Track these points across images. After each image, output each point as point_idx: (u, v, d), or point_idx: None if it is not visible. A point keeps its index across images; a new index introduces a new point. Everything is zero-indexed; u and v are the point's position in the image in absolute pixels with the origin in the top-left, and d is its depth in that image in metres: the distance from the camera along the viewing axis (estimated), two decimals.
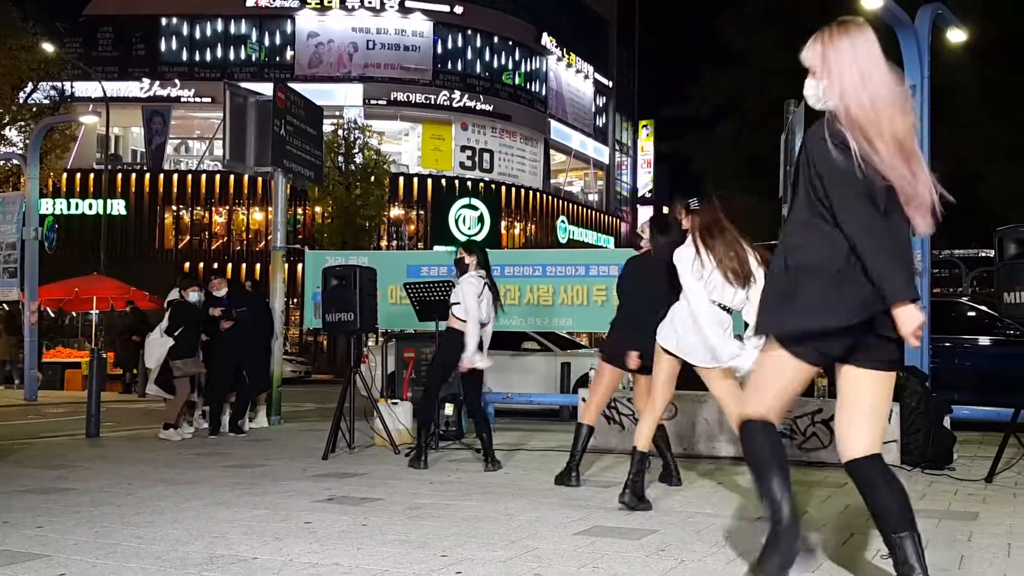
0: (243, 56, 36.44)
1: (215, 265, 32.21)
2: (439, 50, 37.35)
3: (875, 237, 2.63)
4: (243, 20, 36.55)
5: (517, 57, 39.72)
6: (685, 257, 4.62)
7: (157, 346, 8.34)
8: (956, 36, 8.79)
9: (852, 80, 2.69)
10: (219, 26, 36.53)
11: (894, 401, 6.29)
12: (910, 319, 2.62)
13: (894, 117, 2.66)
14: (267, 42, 36.61)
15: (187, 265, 33.02)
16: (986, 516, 4.55)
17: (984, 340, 9.40)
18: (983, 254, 28.43)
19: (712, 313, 4.55)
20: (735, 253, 4.54)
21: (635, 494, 4.64)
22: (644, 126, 50.32)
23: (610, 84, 48.02)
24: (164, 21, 36.33)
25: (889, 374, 2.86)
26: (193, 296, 8.47)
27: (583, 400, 7.44)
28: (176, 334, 8.23)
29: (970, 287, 23.83)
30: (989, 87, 22.67)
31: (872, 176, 2.63)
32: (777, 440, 2.98)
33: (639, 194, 50.13)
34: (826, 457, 6.37)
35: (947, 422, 6.44)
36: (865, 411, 2.87)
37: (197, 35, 36.60)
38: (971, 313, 9.83)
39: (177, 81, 35.85)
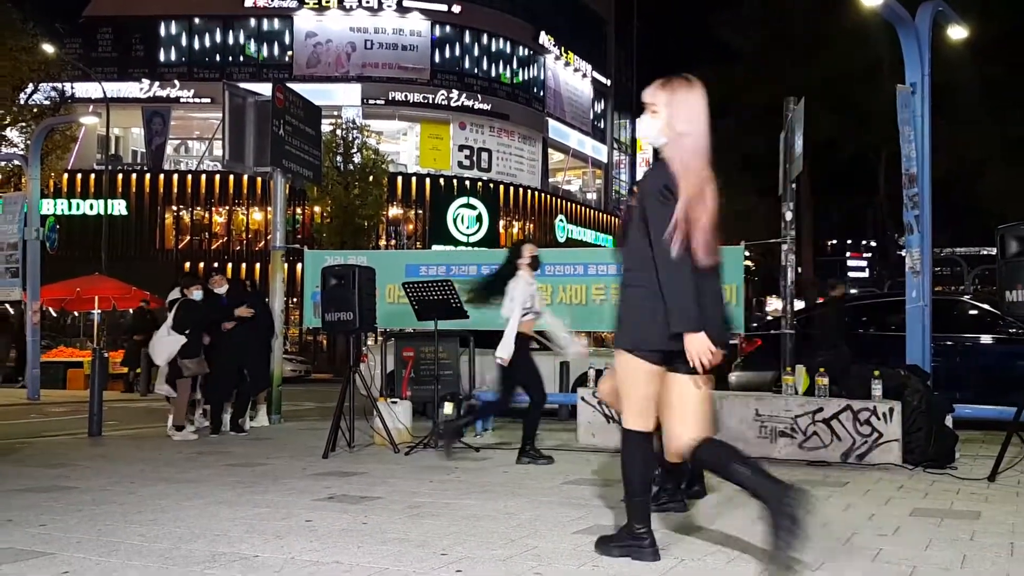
0: (241, 56, 36.43)
1: (215, 265, 32.21)
2: (437, 49, 37.33)
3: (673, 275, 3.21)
4: (241, 20, 36.53)
5: (515, 56, 39.70)
6: None
7: (167, 344, 8.30)
8: (957, 33, 8.78)
9: (683, 130, 3.26)
10: (218, 26, 36.52)
11: (896, 400, 6.33)
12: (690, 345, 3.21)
13: (707, 167, 3.30)
14: (265, 42, 36.60)
15: (187, 265, 33.02)
16: (988, 515, 4.55)
17: (986, 338, 9.38)
18: (984, 252, 28.45)
19: None
20: None
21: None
22: None
23: (608, 83, 48.00)
24: (163, 21, 36.30)
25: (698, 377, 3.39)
26: (196, 294, 8.48)
27: (582, 399, 7.46)
28: (186, 333, 8.24)
29: (972, 285, 23.80)
30: (989, 84, 22.68)
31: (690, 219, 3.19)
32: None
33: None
34: (827, 456, 6.37)
35: (949, 421, 6.45)
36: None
37: (196, 36, 36.58)
38: (973, 311, 9.82)
39: (176, 82, 35.83)
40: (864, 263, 66.46)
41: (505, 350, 6.25)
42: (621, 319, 3.42)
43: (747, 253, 9.48)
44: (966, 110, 22.96)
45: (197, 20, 36.40)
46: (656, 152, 3.40)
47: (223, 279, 9.10)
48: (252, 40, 36.55)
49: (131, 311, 18.39)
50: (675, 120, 3.29)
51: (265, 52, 36.51)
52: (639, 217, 3.32)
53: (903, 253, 7.88)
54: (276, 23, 36.52)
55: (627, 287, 3.41)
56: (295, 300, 25.24)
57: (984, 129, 23.67)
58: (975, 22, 11.11)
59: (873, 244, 62.28)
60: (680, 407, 3.40)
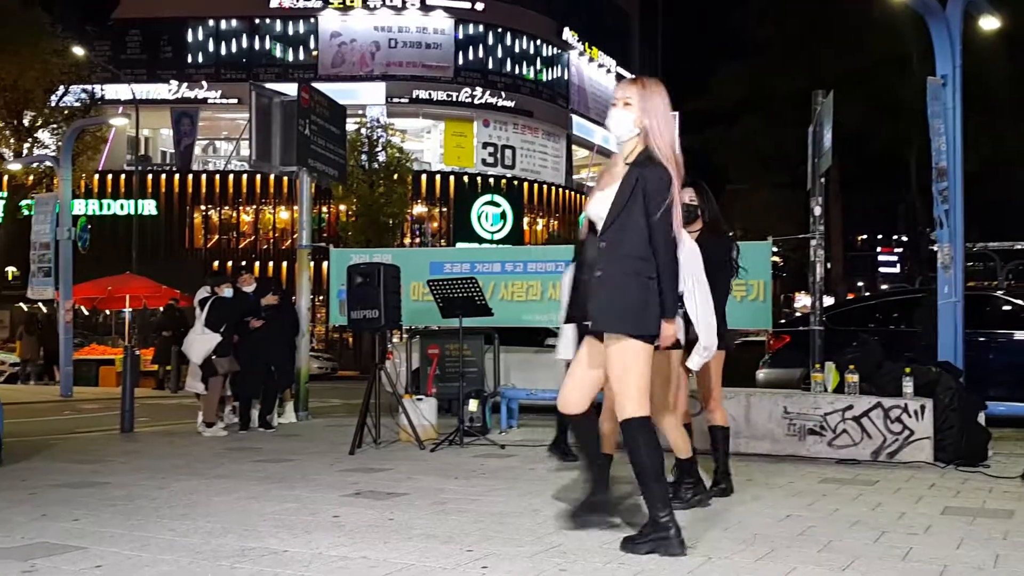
0: (267, 57, 36.71)
1: (243, 264, 32.50)
2: (460, 47, 37.36)
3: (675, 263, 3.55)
4: (267, 21, 36.80)
5: (538, 52, 39.64)
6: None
7: (203, 343, 8.33)
8: (989, 24, 8.62)
9: (659, 124, 3.50)
10: (244, 27, 36.82)
11: (927, 397, 6.24)
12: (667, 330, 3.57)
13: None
14: (291, 43, 36.84)
15: (216, 264, 33.34)
16: (1022, 514, 4.48)
17: (1020, 335, 9.23)
18: (1019, 246, 27.90)
19: None
20: None
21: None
22: None
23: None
24: (191, 23, 36.67)
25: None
26: (227, 292, 8.55)
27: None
28: (221, 331, 8.32)
29: (1005, 280, 23.39)
30: (1021, 74, 22.27)
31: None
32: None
33: None
34: (857, 454, 6.30)
35: (982, 418, 6.34)
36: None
37: (223, 37, 36.90)
38: (1006, 307, 9.65)
39: (204, 83, 36.18)
40: (895, 258, 65.59)
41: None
42: (621, 304, 3.50)
43: (775, 248, 9.39)
44: (1000, 102, 22.56)
45: (224, 21, 36.73)
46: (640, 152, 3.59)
47: (251, 277, 9.18)
48: (278, 41, 36.81)
49: (161, 309, 18.60)
50: (647, 114, 3.50)
51: (291, 52, 36.76)
52: (637, 206, 3.47)
53: (935, 248, 7.76)
54: (301, 23, 36.76)
55: (625, 273, 3.50)
56: (321, 298, 25.39)
57: (1018, 121, 23.25)
58: (1008, 11, 10.91)
59: (904, 239, 61.48)
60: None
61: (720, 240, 4.90)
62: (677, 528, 3.49)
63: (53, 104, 22.85)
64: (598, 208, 3.58)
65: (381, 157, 29.84)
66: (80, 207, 29.76)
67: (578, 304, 3.75)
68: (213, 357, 8.30)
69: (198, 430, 8.42)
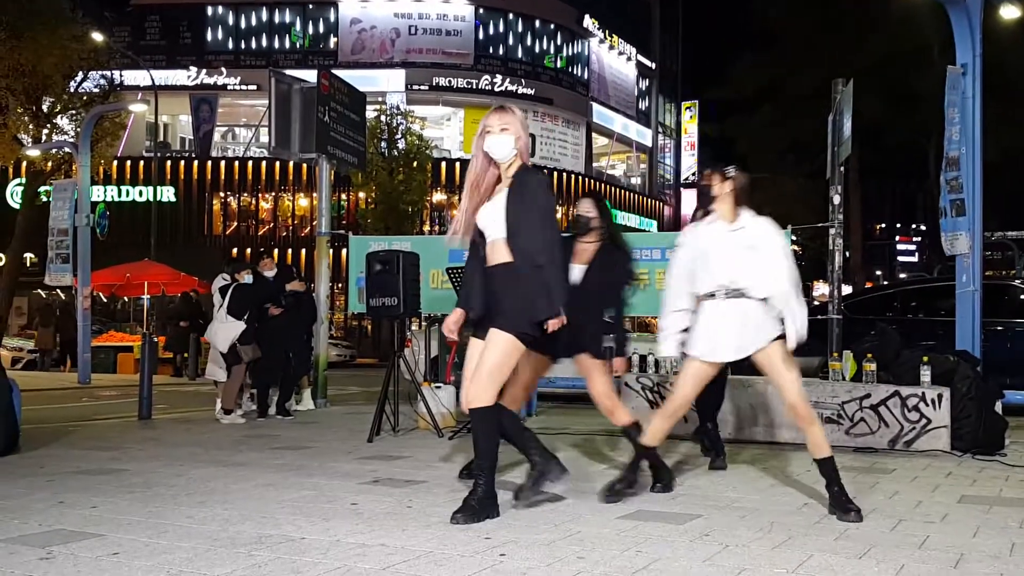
0: (287, 43, 36.75)
1: (261, 250, 32.62)
2: (480, 34, 37.26)
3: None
4: (287, 7, 36.83)
5: (559, 40, 39.46)
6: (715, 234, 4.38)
7: (228, 330, 8.33)
8: (1010, 13, 8.52)
9: (526, 142, 4.13)
10: (264, 14, 36.85)
11: (944, 386, 6.21)
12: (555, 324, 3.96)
13: None
14: (311, 29, 36.85)
15: (235, 251, 33.52)
16: None
17: None
18: None
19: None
20: None
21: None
22: (687, 108, 49.68)
23: (653, 66, 47.48)
24: (210, 9, 36.74)
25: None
26: (247, 279, 8.58)
27: (627, 385, 7.43)
28: (244, 318, 8.35)
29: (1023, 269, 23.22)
30: None
31: None
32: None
33: (682, 177, 49.59)
34: (874, 443, 6.29)
35: (999, 407, 6.31)
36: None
37: (242, 23, 36.95)
38: None
39: (223, 69, 36.26)
40: (914, 247, 65.00)
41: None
42: (516, 303, 3.92)
43: (794, 237, 9.33)
44: (1019, 91, 22.30)
45: (243, 8, 36.76)
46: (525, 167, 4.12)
47: (272, 262, 9.17)
48: (297, 27, 36.83)
49: (178, 296, 18.73)
50: (520, 137, 4.09)
51: (310, 39, 36.77)
52: (532, 210, 3.95)
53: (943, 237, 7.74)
54: (321, 10, 36.74)
55: (522, 272, 3.94)
56: (340, 285, 25.49)
57: None
58: None
59: (923, 228, 60.90)
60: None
61: (617, 252, 4.97)
62: (544, 466, 4.11)
63: (72, 90, 22.92)
64: (489, 217, 4.06)
65: (400, 144, 29.84)
66: (98, 193, 29.99)
67: (465, 299, 4.23)
68: (237, 344, 8.34)
69: (216, 417, 8.49)
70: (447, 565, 3.24)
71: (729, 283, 4.24)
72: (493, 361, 3.95)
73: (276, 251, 33.22)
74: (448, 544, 3.54)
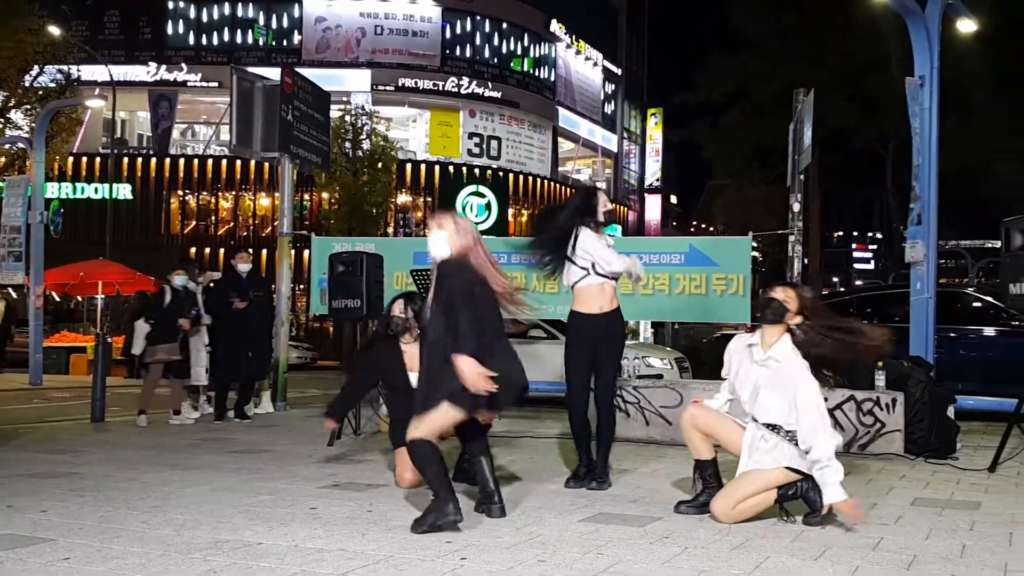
0: (250, 40, 36.33)
1: (221, 251, 32.23)
2: (447, 36, 37.17)
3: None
4: (250, 4, 36.40)
5: (526, 43, 39.51)
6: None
7: (142, 332, 8.59)
8: (967, 26, 8.71)
9: (465, 242, 4.23)
10: (226, 10, 36.39)
11: (898, 390, 6.32)
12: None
13: None
14: (274, 26, 36.47)
15: (193, 250, 33.05)
16: (988, 506, 4.56)
17: (989, 331, 9.37)
18: (989, 245, 28.30)
19: None
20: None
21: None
22: (653, 114, 50.07)
23: (619, 71, 47.77)
24: (171, 5, 36.19)
25: None
26: (179, 280, 8.42)
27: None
28: (153, 320, 8.35)
29: (976, 278, 23.78)
30: (998, 77, 22.52)
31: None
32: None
33: (647, 183, 49.97)
34: None
35: (951, 412, 6.45)
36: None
37: (204, 19, 36.44)
38: (976, 304, 9.80)
39: (184, 65, 35.72)
40: (870, 255, 66.25)
41: None
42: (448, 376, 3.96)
43: (754, 243, 9.44)
44: (974, 104, 22.85)
45: (205, 3, 36.29)
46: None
47: (247, 256, 8.98)
48: (261, 24, 36.45)
49: (134, 295, 18.40)
50: (457, 238, 4.20)
51: (274, 36, 36.40)
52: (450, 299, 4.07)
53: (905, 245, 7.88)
54: (285, 7, 36.39)
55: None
56: (301, 287, 25.26)
57: (993, 123, 23.55)
58: (987, 14, 11.01)
59: (879, 236, 62.07)
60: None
61: None
62: (455, 506, 3.85)
63: (27, 84, 22.48)
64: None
65: (365, 145, 29.65)
66: (53, 190, 29.40)
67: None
68: (147, 345, 8.35)
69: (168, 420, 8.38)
70: (407, 570, 3.22)
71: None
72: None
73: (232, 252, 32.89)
74: (408, 548, 3.52)
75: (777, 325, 4.18)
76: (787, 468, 4.07)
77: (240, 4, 36.34)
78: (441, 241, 4.20)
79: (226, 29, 36.42)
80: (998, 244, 5.87)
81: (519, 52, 39.22)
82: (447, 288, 4.10)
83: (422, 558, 3.38)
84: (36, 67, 22.38)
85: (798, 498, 4.07)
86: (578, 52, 43.01)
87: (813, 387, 4.06)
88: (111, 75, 26.34)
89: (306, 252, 12.21)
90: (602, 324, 5.04)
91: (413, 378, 4.86)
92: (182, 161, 35.54)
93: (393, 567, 3.25)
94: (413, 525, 3.85)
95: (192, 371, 8.61)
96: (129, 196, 33.90)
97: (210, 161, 35.30)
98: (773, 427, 4.13)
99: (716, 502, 4.12)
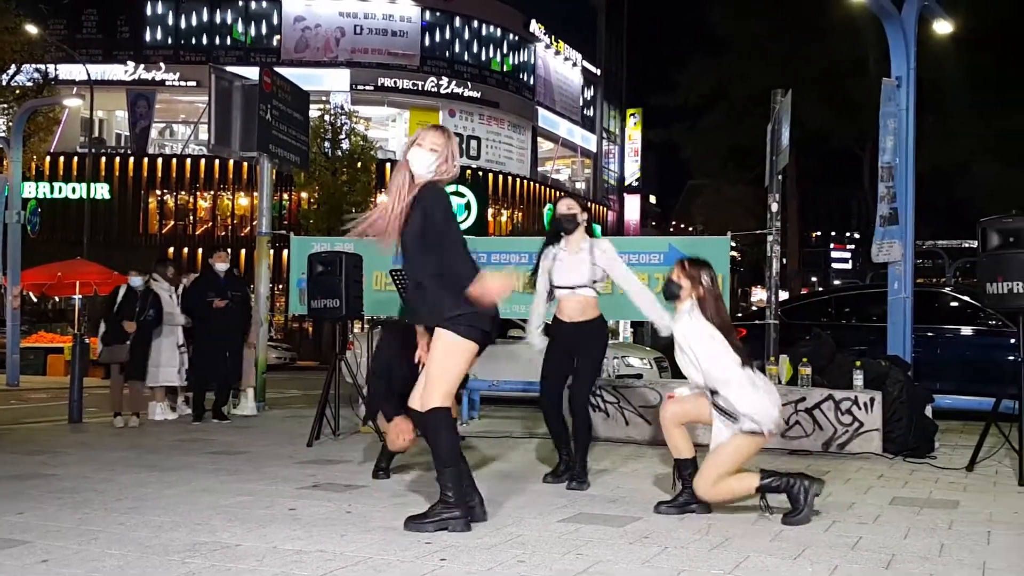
0: (229, 40, 36.11)
1: (199, 251, 32.00)
2: (427, 36, 37.12)
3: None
4: (229, 3, 36.20)
5: (505, 44, 39.54)
6: None
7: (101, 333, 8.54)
8: (942, 28, 8.80)
9: (453, 166, 4.09)
10: (205, 9, 36.17)
11: (877, 390, 6.37)
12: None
13: None
14: (253, 26, 36.27)
15: (171, 250, 32.78)
16: (966, 504, 4.60)
17: (966, 330, 9.46)
18: (966, 245, 28.63)
19: None
20: None
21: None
22: (632, 115, 50.26)
23: (598, 72, 47.90)
24: (149, 4, 35.93)
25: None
26: (135, 280, 8.39)
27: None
28: (107, 319, 8.36)
29: (953, 278, 24.04)
30: (975, 79, 22.79)
31: None
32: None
33: (626, 183, 50.14)
34: (808, 445, 6.42)
35: (929, 411, 6.50)
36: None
37: (182, 18, 36.20)
38: (953, 303, 9.89)
39: (162, 64, 35.47)
40: (848, 255, 66.82)
41: None
42: (444, 303, 3.87)
43: (733, 243, 9.49)
44: (951, 105, 23.10)
45: (184, 2, 36.03)
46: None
47: (225, 255, 8.93)
48: (239, 23, 36.22)
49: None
50: (449, 159, 4.05)
51: (253, 36, 36.19)
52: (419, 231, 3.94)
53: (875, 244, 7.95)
54: (264, 6, 36.20)
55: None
56: (280, 287, 25.13)
57: (969, 124, 23.81)
58: (963, 15, 11.12)
59: (857, 236, 62.61)
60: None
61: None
62: (465, 509, 3.78)
63: (4, 83, 22.24)
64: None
65: (345, 145, 29.57)
66: (30, 190, 29.09)
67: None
68: (102, 347, 8.35)
69: (151, 418, 8.32)
70: (387, 571, 3.21)
71: None
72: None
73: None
74: (388, 550, 3.51)
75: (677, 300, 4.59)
76: (719, 418, 4.19)
77: (219, 4, 36.10)
78: (429, 161, 4.01)
79: (205, 28, 36.17)
80: (975, 244, 5.92)
81: (499, 53, 39.24)
82: (428, 215, 3.93)
83: (401, 559, 3.37)
84: (13, 66, 22.15)
85: (781, 492, 4.10)
86: (557, 52, 43.10)
87: (703, 340, 4.33)
88: (89, 74, 26.11)
89: (285, 252, 12.15)
90: (585, 331, 5.10)
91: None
92: (160, 161, 35.26)
93: (372, 568, 3.24)
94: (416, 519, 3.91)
95: (161, 372, 8.55)
96: (107, 196, 33.62)
97: (188, 161, 35.05)
98: (713, 393, 4.23)
99: (696, 481, 4.23)
